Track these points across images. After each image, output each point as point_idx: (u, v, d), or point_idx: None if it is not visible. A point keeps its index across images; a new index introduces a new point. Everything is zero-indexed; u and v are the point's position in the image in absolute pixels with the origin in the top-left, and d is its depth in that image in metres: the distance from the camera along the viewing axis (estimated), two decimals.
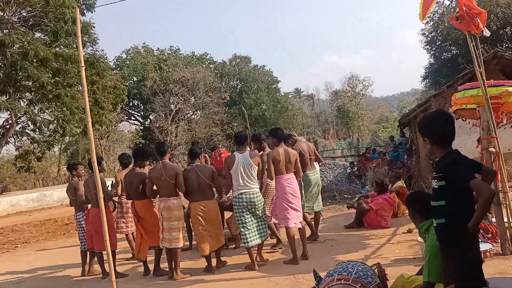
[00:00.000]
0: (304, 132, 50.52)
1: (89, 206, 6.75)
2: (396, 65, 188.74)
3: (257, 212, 6.16)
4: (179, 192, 6.34)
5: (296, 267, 6.02)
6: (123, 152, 7.06)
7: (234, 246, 7.64)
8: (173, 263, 6.18)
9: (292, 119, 40.89)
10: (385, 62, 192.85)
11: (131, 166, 7.09)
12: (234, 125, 33.73)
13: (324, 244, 7.29)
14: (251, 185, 6.10)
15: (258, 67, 40.67)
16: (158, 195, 6.38)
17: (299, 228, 6.49)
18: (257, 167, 6.18)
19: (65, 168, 30.78)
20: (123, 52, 37.38)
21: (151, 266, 6.53)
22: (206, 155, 10.34)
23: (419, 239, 5.54)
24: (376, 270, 3.98)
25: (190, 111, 34.79)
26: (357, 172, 14.85)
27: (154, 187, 6.33)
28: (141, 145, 28.76)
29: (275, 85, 41.42)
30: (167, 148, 6.42)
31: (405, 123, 14.88)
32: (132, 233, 7.60)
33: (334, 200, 12.06)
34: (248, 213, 6.11)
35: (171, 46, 40.71)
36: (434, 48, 30.25)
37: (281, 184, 6.40)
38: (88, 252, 6.84)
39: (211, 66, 39.65)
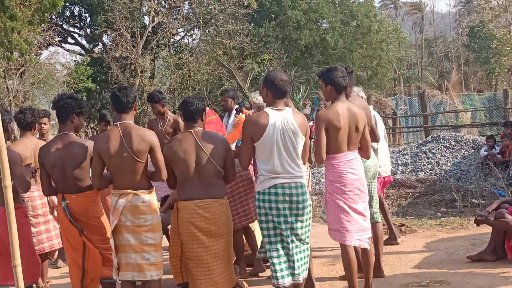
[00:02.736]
0: (399, 76, 50.09)
1: None
2: None
3: (300, 224, 6.30)
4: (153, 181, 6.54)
5: None
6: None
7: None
8: None
9: (378, 51, 40.57)
10: None
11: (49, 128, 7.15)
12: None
13: None
14: (294, 171, 6.23)
15: None
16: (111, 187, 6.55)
17: (363, 249, 6.73)
18: (305, 139, 6.30)
19: None
20: None
21: None
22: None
23: None
24: None
25: (181, 30, 34.96)
26: (500, 156, 14.79)
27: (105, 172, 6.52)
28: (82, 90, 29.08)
29: None
30: (134, 97, 6.50)
31: None
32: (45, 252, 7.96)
33: (453, 209, 12.21)
34: (283, 225, 6.24)
35: None
36: None
37: (337, 169, 6.55)
38: None
39: None
